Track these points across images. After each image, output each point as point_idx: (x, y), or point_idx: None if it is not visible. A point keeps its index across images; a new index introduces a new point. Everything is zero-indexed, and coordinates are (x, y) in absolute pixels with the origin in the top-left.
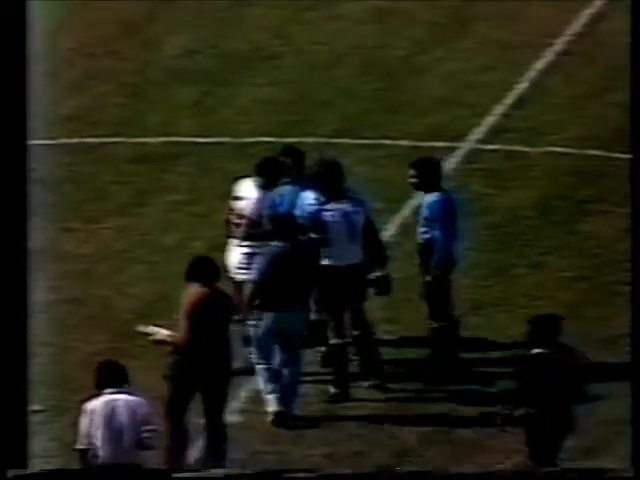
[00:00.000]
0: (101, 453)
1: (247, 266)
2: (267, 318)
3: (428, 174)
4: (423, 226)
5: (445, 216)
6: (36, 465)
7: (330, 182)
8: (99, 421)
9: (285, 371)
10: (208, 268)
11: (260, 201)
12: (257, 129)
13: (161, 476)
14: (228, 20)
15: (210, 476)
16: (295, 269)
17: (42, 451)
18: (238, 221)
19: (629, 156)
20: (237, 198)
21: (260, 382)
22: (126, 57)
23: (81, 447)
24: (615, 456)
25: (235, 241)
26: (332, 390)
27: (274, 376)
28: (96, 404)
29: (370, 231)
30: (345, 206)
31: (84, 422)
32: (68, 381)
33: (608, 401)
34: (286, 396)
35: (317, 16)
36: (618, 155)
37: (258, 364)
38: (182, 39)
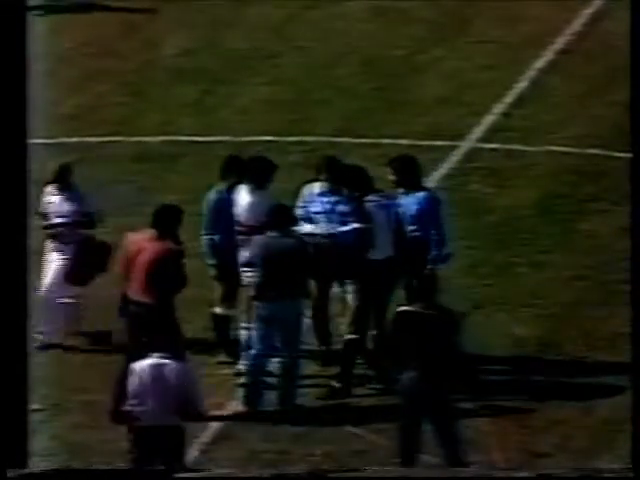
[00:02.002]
0: (144, 415)
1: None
2: (260, 308)
3: (408, 171)
4: (411, 224)
5: (437, 213)
6: (36, 464)
7: (363, 175)
8: (145, 383)
9: (282, 362)
10: (168, 217)
11: (255, 205)
12: (257, 128)
13: (161, 476)
14: (228, 20)
15: (210, 476)
16: (286, 259)
17: (42, 450)
18: (240, 229)
19: (629, 155)
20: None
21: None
22: (126, 56)
23: (128, 408)
24: (615, 456)
25: (241, 245)
26: (335, 385)
27: (257, 371)
28: (143, 366)
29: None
30: (383, 198)
31: (131, 382)
32: (68, 380)
33: (608, 401)
34: (286, 388)
35: (317, 15)
36: (618, 154)
37: (247, 355)
38: (182, 39)
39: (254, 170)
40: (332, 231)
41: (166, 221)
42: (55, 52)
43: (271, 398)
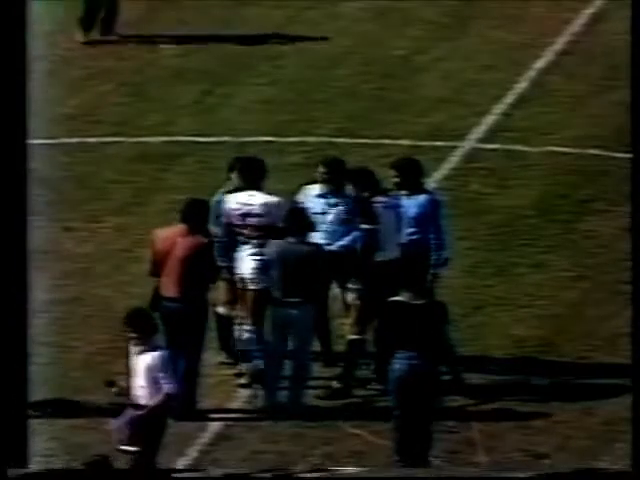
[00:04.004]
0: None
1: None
2: (273, 313)
3: (411, 174)
4: (411, 226)
5: (438, 217)
6: (36, 465)
7: (371, 177)
8: (142, 374)
9: (293, 364)
10: (197, 212)
11: (268, 206)
12: (257, 128)
13: (161, 476)
14: (228, 20)
15: (210, 476)
16: (302, 264)
17: (42, 451)
18: (251, 233)
19: (629, 155)
20: (238, 210)
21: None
22: (126, 56)
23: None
24: (615, 456)
25: (247, 249)
26: (335, 385)
27: (273, 373)
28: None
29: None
30: (391, 199)
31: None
32: (68, 381)
33: (608, 401)
34: (296, 390)
35: (317, 15)
36: (618, 154)
37: (262, 358)
38: (182, 39)
39: (246, 172)
40: (329, 237)
41: (196, 215)
42: (55, 52)
43: (281, 399)
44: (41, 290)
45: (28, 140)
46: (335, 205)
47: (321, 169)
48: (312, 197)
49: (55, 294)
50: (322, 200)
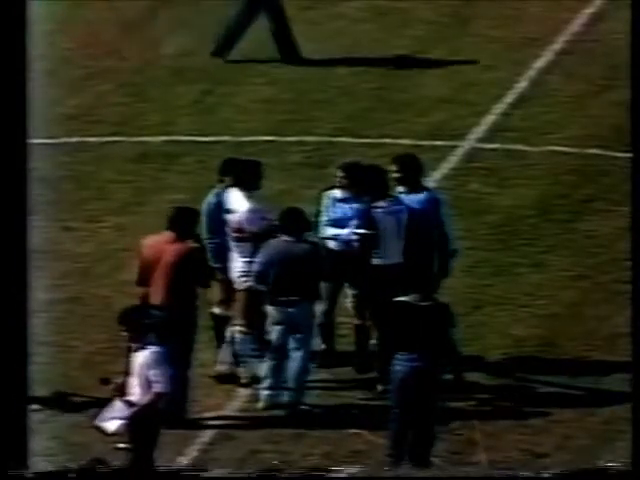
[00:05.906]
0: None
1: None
2: (272, 312)
3: (411, 170)
4: (412, 225)
5: (439, 214)
6: (36, 464)
7: (377, 183)
8: (136, 370)
9: (293, 362)
10: (184, 218)
11: (254, 211)
12: (257, 128)
13: (160, 476)
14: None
15: (210, 476)
16: (300, 264)
17: (42, 450)
18: (238, 235)
19: (629, 155)
20: (228, 211)
21: (260, 372)
22: (126, 56)
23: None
24: (615, 456)
25: (236, 251)
26: (379, 387)
27: (274, 372)
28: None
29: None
30: (391, 204)
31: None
32: (68, 380)
33: (608, 401)
34: (296, 389)
35: (317, 15)
36: (618, 154)
37: (261, 357)
38: (182, 39)
39: (241, 174)
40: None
41: (183, 222)
42: (55, 52)
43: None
44: (41, 290)
45: (28, 140)
46: (356, 208)
47: (339, 173)
48: (336, 202)
49: (55, 294)
50: (345, 205)
